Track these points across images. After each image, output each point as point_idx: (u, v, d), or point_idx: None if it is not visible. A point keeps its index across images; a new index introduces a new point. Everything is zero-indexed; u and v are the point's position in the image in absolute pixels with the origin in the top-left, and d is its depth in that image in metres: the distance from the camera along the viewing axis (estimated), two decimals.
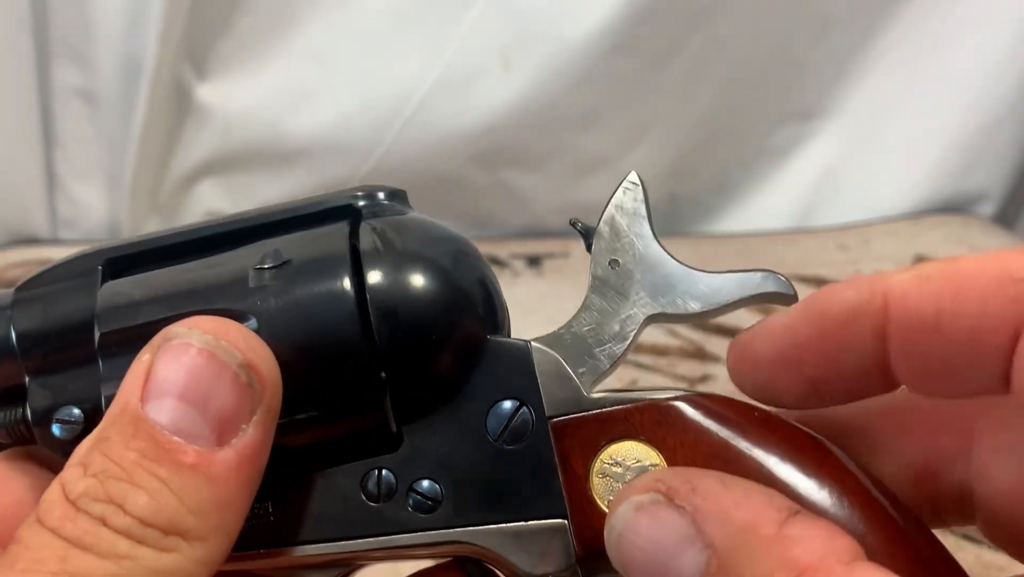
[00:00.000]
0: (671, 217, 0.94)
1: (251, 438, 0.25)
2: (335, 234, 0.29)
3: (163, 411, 0.25)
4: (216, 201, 0.91)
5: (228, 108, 0.87)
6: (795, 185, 0.93)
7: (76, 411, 0.29)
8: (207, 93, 0.87)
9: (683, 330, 0.72)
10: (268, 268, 0.28)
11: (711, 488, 0.24)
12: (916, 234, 0.88)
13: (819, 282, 0.78)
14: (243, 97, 0.87)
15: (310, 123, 0.87)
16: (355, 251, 0.29)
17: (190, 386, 0.25)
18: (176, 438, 0.25)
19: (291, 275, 0.28)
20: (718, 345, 0.70)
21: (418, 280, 0.28)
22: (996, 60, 0.87)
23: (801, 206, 0.93)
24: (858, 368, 0.26)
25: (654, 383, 0.65)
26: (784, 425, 0.27)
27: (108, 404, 0.26)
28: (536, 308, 0.74)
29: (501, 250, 0.86)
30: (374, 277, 0.28)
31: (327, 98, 0.86)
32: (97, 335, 0.29)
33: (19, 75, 0.83)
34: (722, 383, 0.64)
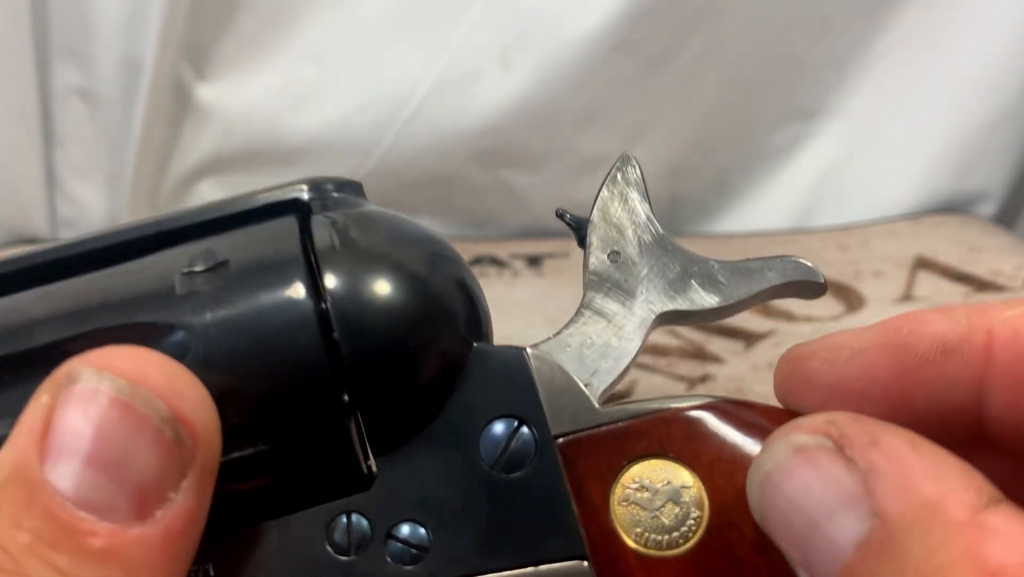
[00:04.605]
0: (671, 217, 0.94)
1: (181, 508, 0.20)
2: (281, 230, 0.24)
3: (66, 477, 0.19)
4: None
5: (228, 108, 0.87)
6: (795, 185, 0.93)
7: None
8: (207, 93, 0.87)
9: (683, 330, 0.72)
10: (200, 271, 0.23)
11: (897, 447, 0.19)
12: (916, 234, 0.87)
13: None
14: (243, 97, 0.87)
15: (310, 123, 0.87)
16: (307, 249, 0.24)
17: (100, 447, 0.19)
18: (82, 513, 0.19)
19: (229, 278, 0.23)
20: (718, 345, 0.70)
21: (386, 281, 0.23)
22: (996, 60, 0.87)
23: (801, 206, 0.93)
24: (938, 416, 0.22)
25: (654, 383, 0.65)
26: None
27: None
28: (536, 308, 0.74)
29: (501, 250, 0.86)
30: (334, 279, 0.23)
31: (327, 98, 0.86)
32: None
33: (19, 75, 0.83)
34: (721, 382, 0.64)
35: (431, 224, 1.01)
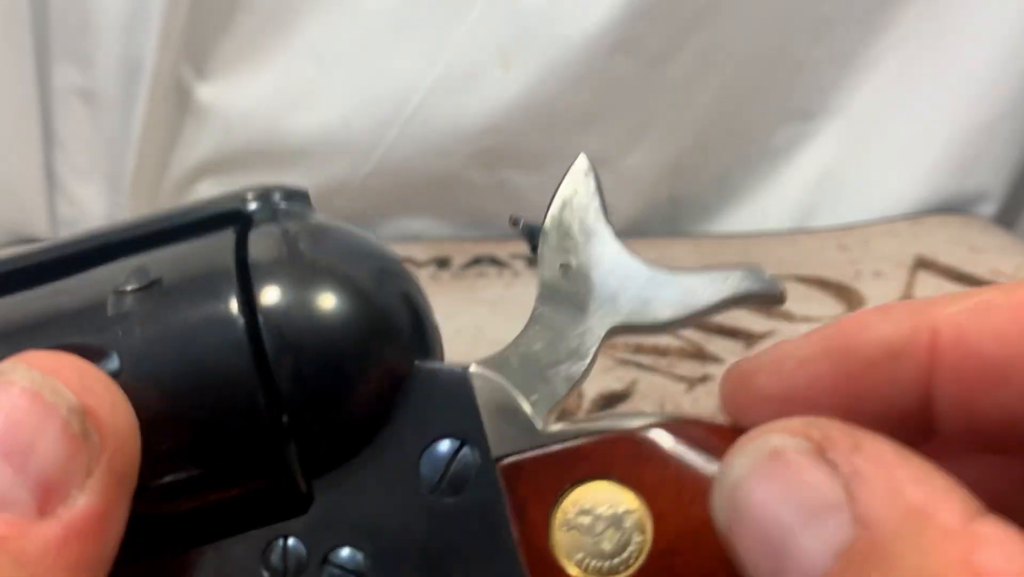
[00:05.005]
0: (671, 217, 0.94)
1: (84, 509, 0.19)
2: (217, 244, 0.24)
3: None
4: None
5: (228, 108, 0.87)
6: (795, 185, 0.93)
7: None
8: (207, 93, 0.87)
9: (683, 330, 0.72)
10: (132, 290, 0.22)
11: (881, 452, 0.18)
12: (916, 234, 0.87)
13: (819, 283, 0.78)
14: (243, 97, 0.87)
15: (310, 123, 0.87)
16: (243, 264, 0.23)
17: (8, 436, 0.19)
18: None
19: (160, 297, 0.22)
20: (719, 345, 0.70)
21: (325, 296, 0.23)
22: (996, 60, 0.87)
23: (801, 206, 0.93)
24: (889, 419, 0.21)
25: (654, 383, 0.65)
26: None
27: None
28: None
29: (501, 250, 0.86)
30: (268, 296, 0.22)
31: (327, 98, 0.86)
32: None
33: (19, 75, 0.83)
34: None
35: (431, 224, 1.01)
